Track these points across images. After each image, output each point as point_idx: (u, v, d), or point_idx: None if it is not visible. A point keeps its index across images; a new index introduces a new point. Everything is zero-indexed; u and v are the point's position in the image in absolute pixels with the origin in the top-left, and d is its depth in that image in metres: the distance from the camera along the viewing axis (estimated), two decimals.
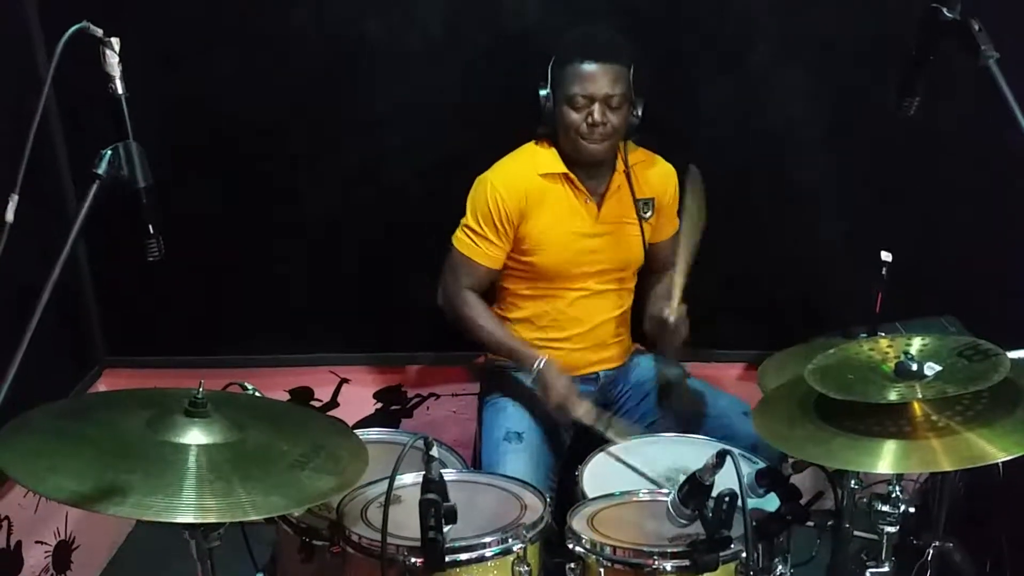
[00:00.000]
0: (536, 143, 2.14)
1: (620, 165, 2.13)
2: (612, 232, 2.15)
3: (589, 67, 2.00)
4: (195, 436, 1.41)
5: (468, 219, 2.12)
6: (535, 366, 2.08)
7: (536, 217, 2.10)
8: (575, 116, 2.03)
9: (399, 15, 2.31)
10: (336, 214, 2.49)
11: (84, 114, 2.30)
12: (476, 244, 2.11)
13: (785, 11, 2.29)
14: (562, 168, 2.09)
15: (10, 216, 1.25)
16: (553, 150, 2.11)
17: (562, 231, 2.11)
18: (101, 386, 2.62)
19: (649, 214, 2.17)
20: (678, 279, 2.01)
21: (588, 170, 2.11)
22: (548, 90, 2.05)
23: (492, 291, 2.25)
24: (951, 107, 1.98)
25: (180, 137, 2.33)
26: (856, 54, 2.29)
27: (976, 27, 1.36)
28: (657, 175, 2.19)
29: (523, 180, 2.09)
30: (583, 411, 2.05)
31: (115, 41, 1.30)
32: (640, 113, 2.06)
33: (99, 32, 1.30)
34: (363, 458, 1.53)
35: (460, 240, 2.13)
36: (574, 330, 2.19)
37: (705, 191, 2.03)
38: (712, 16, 2.31)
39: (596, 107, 2.00)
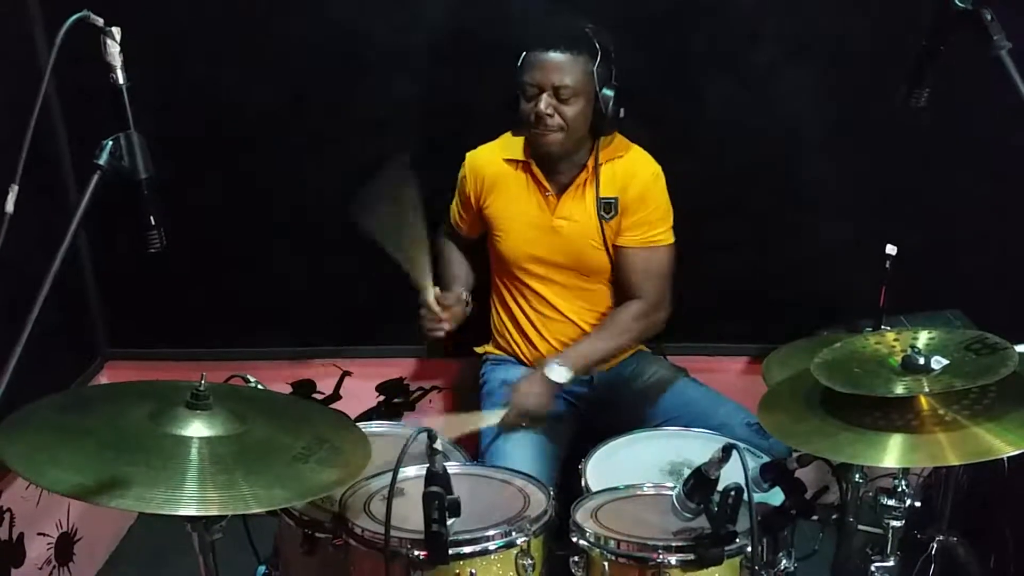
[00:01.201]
0: (513, 133, 2.16)
1: (590, 162, 2.07)
2: (569, 230, 2.09)
3: (540, 55, 1.97)
4: (197, 428, 1.41)
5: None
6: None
7: (496, 200, 2.14)
8: (525, 106, 2.00)
9: (402, 11, 2.30)
10: (339, 206, 2.47)
11: (85, 104, 2.28)
12: (454, 208, 2.27)
13: (788, 10, 2.27)
14: (523, 156, 2.10)
15: (10, 207, 1.24)
16: (523, 139, 2.12)
17: (519, 219, 2.12)
18: (103, 379, 2.61)
19: (611, 215, 2.07)
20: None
21: (549, 163, 2.07)
22: (517, 78, 2.03)
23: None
24: (956, 102, 1.96)
25: (182, 128, 2.32)
26: (860, 51, 2.28)
27: (988, 17, 1.35)
28: (625, 172, 2.08)
29: (487, 163, 2.15)
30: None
31: (116, 30, 1.29)
32: (610, 106, 1.97)
33: (100, 21, 1.29)
34: (366, 451, 1.52)
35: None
36: (550, 331, 2.18)
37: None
38: (715, 15, 2.30)
39: (543, 98, 1.96)
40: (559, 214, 2.10)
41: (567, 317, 2.17)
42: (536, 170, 2.09)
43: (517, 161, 2.11)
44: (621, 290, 2.15)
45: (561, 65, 1.95)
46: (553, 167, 2.09)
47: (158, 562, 2.40)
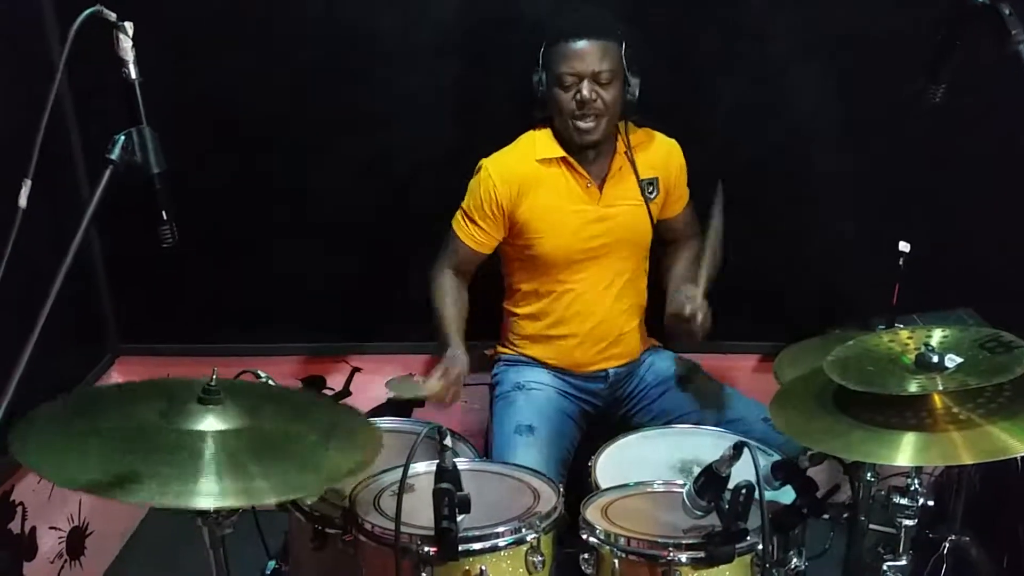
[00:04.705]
0: (535, 130, 2.13)
1: (621, 146, 2.12)
2: (617, 215, 2.13)
3: (575, 44, 2.00)
4: (210, 423, 1.40)
5: (465, 201, 2.14)
6: (445, 354, 2.00)
7: (532, 203, 2.09)
8: (565, 96, 2.02)
9: (409, 8, 2.30)
10: (350, 203, 2.48)
11: (97, 99, 2.29)
12: (465, 225, 2.14)
13: (802, 5, 2.26)
14: (559, 152, 2.09)
15: (23, 201, 1.24)
16: (550, 135, 2.11)
17: (561, 215, 2.10)
18: (114, 374, 2.62)
19: (654, 194, 2.15)
20: (703, 275, 2.01)
21: (586, 152, 2.09)
22: (540, 74, 2.04)
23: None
24: (970, 98, 1.95)
25: (194, 123, 2.33)
26: (874, 48, 2.26)
27: (1006, 11, 1.33)
28: (659, 152, 2.17)
29: (518, 167, 2.10)
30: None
31: (128, 25, 1.30)
32: (636, 92, 2.04)
33: (112, 16, 1.29)
34: (376, 435, 1.51)
35: (456, 220, 2.16)
36: (580, 326, 2.17)
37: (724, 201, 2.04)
38: (725, 12, 2.29)
39: (584, 84, 1.99)
40: (606, 202, 2.12)
41: (601, 311, 2.17)
42: (574, 163, 2.09)
43: (552, 159, 2.09)
44: (672, 243, 2.28)
45: (597, 51, 2.00)
46: (588, 157, 2.10)
47: (169, 556, 2.41)
